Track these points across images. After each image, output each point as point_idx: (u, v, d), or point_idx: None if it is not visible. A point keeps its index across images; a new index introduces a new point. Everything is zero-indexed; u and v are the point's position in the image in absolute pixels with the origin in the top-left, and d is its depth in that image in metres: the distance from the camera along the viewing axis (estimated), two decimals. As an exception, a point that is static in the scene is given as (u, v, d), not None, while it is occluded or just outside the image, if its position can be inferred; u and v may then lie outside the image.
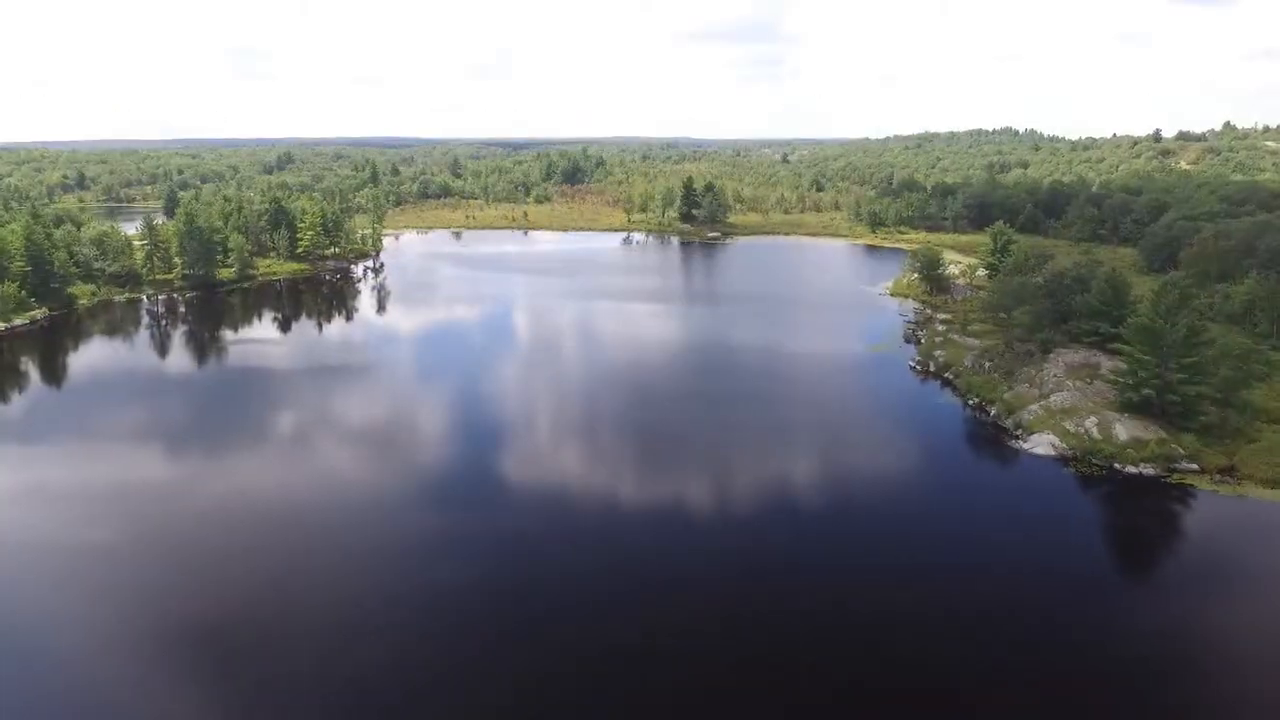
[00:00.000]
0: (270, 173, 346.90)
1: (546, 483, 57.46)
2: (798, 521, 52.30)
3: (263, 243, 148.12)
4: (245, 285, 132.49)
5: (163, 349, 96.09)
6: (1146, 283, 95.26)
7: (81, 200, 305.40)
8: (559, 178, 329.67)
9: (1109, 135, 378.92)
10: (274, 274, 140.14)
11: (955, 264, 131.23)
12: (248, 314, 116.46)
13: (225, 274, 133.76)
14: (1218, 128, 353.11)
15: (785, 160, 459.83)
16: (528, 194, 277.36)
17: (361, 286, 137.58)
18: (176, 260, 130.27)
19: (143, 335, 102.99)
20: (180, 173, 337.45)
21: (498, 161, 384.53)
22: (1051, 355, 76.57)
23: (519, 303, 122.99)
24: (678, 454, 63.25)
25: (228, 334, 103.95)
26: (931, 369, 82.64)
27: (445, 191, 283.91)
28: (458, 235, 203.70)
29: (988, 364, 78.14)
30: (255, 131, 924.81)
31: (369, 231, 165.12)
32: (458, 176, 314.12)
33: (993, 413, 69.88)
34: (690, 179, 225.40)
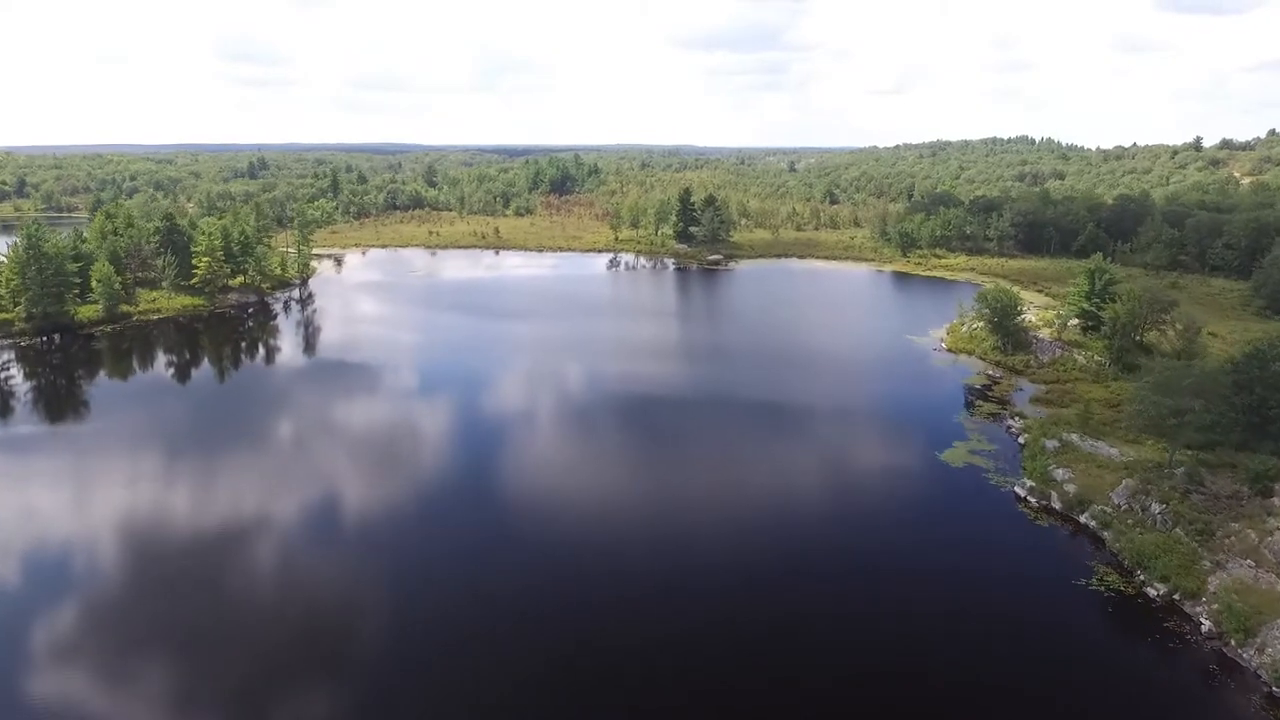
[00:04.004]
0: (230, 180, 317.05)
1: None
2: None
3: (154, 271, 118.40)
4: (112, 328, 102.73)
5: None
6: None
7: (18, 208, 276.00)
8: (546, 187, 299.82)
9: (1129, 144, 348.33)
10: (157, 311, 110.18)
11: (1031, 306, 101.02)
12: (89, 372, 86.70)
13: (87, 313, 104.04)
14: (1241, 137, 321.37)
15: (792, 169, 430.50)
16: (507, 205, 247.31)
17: (277, 326, 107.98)
18: (20, 296, 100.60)
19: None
20: (132, 179, 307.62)
21: (480, 169, 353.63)
22: (1276, 499, 46.44)
23: (468, 374, 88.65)
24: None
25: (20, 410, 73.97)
26: (1056, 505, 52.45)
27: (417, 202, 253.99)
28: (432, 252, 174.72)
29: (1156, 507, 47.97)
30: (264, 137, 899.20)
31: (294, 254, 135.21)
32: (432, 185, 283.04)
33: (1203, 622, 39.75)
34: (688, 190, 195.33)
